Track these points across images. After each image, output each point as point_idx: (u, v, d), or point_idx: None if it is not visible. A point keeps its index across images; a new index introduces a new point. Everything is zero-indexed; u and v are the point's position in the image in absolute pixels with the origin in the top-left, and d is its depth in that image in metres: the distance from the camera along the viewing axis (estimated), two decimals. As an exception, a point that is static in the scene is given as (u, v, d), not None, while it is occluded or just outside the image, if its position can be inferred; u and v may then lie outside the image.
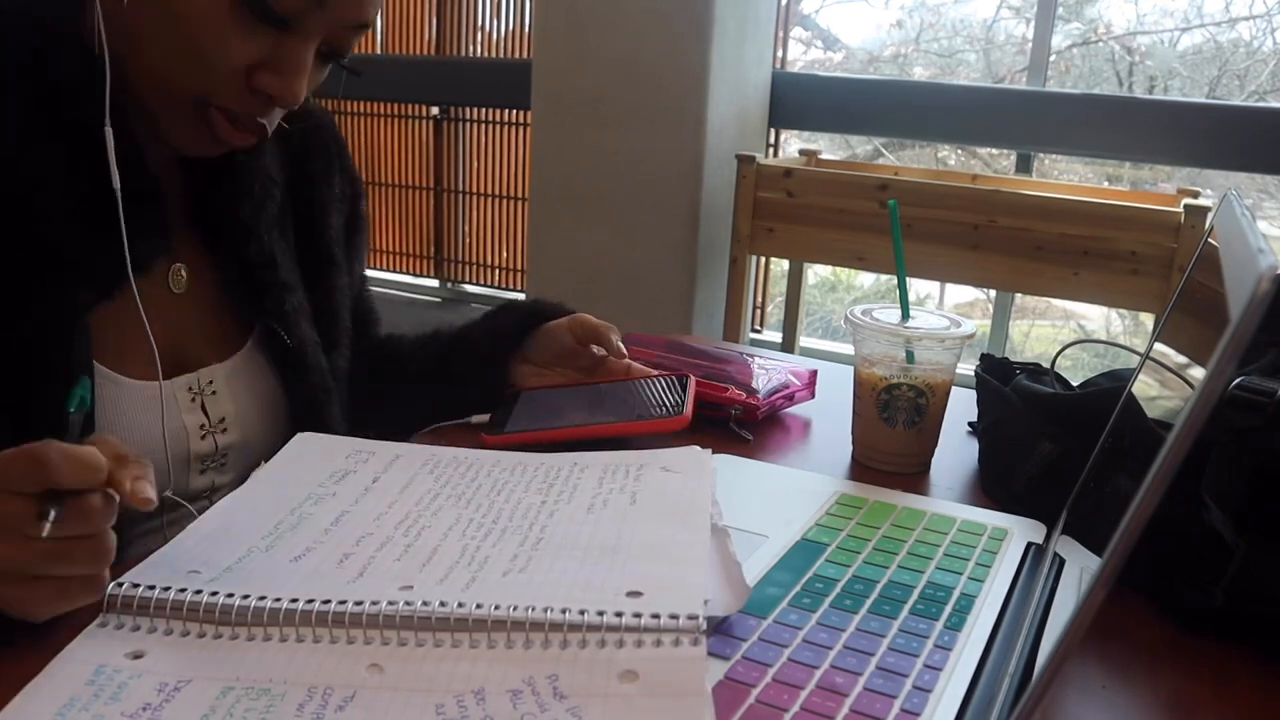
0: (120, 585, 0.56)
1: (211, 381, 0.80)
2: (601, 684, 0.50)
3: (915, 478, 0.87)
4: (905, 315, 0.87)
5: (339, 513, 0.68)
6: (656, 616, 0.54)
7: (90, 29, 0.67)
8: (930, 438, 0.88)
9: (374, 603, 0.55)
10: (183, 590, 0.56)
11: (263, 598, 0.55)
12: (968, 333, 0.85)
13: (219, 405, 0.80)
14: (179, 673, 0.51)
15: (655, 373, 0.95)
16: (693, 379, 0.93)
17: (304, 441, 0.79)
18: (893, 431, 0.87)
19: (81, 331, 0.68)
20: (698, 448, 0.80)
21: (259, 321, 0.83)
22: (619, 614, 0.54)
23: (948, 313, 0.89)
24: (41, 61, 0.66)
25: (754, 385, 0.98)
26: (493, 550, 0.63)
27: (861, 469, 0.88)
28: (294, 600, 0.55)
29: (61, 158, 0.67)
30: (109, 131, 0.66)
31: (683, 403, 0.87)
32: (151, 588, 0.56)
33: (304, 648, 0.53)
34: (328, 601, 0.55)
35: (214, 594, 0.56)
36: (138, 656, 0.52)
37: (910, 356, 0.85)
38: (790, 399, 1.01)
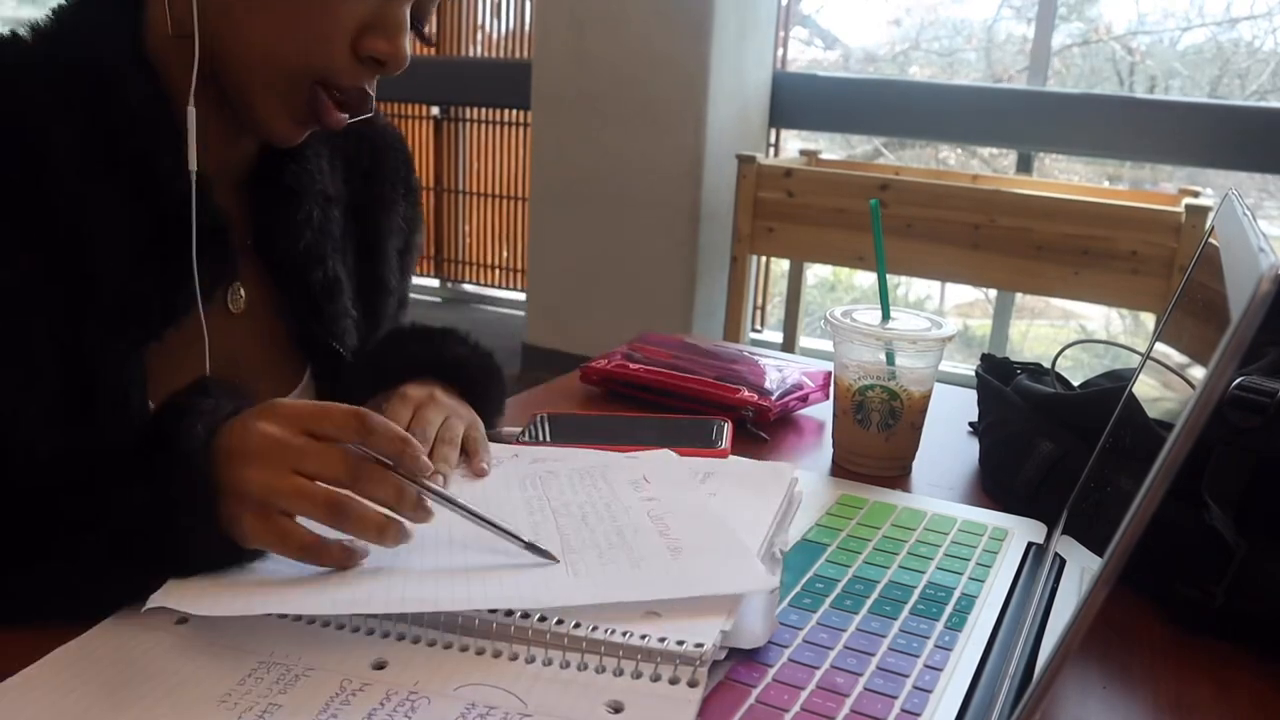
0: None
1: None
2: (584, 711, 0.49)
3: (917, 478, 0.87)
4: (885, 317, 0.87)
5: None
6: (663, 640, 0.52)
7: (151, 47, 0.67)
8: (905, 441, 0.87)
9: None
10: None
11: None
12: (943, 335, 0.83)
13: None
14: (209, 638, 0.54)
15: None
16: (729, 424, 0.90)
17: None
18: (867, 434, 0.86)
19: (137, 368, 0.68)
20: (784, 465, 0.79)
21: (319, 349, 0.81)
22: (626, 633, 0.53)
23: (931, 314, 0.88)
24: (104, 91, 0.66)
25: (766, 387, 0.97)
26: (542, 542, 0.63)
27: (849, 470, 0.88)
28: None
29: (122, 195, 0.66)
30: (192, 111, 0.66)
31: (720, 440, 0.86)
32: None
33: (326, 633, 0.55)
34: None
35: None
36: (182, 622, 0.55)
37: (890, 358, 0.84)
38: (804, 400, 1.01)
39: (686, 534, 0.64)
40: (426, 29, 0.73)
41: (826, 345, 3.30)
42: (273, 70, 0.67)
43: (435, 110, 4.10)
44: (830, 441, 0.91)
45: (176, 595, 0.54)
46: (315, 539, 0.56)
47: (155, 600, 0.53)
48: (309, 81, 0.68)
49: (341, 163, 0.84)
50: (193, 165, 0.67)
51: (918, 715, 0.51)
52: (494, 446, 0.80)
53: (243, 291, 0.76)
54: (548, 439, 0.86)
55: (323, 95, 0.68)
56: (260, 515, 0.55)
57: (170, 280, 0.69)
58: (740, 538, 0.64)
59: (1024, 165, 3.10)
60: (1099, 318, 3.67)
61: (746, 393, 0.96)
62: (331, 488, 0.56)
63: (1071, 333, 3.77)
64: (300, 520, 0.56)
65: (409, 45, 0.69)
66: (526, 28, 3.78)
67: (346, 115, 0.71)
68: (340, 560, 0.57)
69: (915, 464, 0.89)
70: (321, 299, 0.80)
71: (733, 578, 0.58)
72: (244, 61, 0.67)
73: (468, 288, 4.30)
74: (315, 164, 0.79)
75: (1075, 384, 0.90)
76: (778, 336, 3.23)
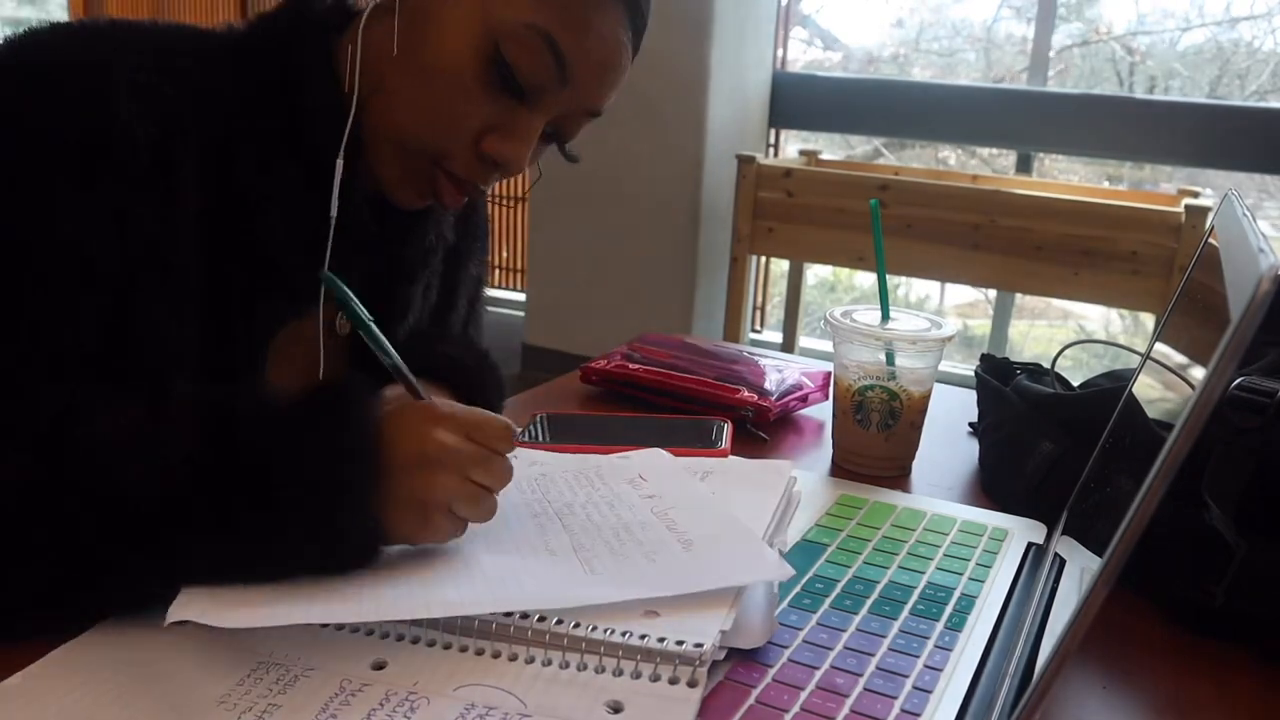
0: None
1: None
2: (583, 711, 0.49)
3: (917, 478, 0.87)
4: (885, 317, 0.87)
5: None
6: (662, 640, 0.52)
7: (339, 70, 0.69)
8: (905, 442, 0.87)
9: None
10: None
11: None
12: (942, 335, 0.83)
13: None
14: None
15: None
16: (729, 424, 0.90)
17: None
18: (866, 434, 0.86)
19: (264, 349, 0.69)
20: (783, 463, 0.79)
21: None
22: (625, 633, 0.53)
23: (931, 314, 0.88)
24: (290, 89, 0.68)
25: (766, 387, 0.97)
26: (552, 543, 0.63)
27: (848, 470, 0.88)
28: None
29: (296, 178, 0.68)
30: (339, 164, 0.68)
31: (720, 440, 0.87)
32: None
33: (325, 634, 0.54)
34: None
35: None
36: (180, 621, 0.53)
37: (890, 358, 0.84)
38: (804, 400, 1.01)
39: (694, 527, 0.64)
40: (569, 146, 0.74)
41: (826, 345, 3.30)
42: (397, 145, 0.69)
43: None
44: (830, 442, 0.91)
45: (197, 607, 0.52)
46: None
47: (175, 614, 0.52)
48: (426, 161, 0.69)
49: (455, 212, 0.86)
50: (333, 213, 0.69)
51: (918, 715, 0.51)
52: None
53: (347, 317, 0.77)
54: (547, 439, 0.86)
55: (441, 177, 0.70)
56: (437, 515, 0.58)
57: (311, 266, 0.70)
58: (747, 526, 0.64)
59: (1024, 165, 3.10)
60: (1099, 318, 3.67)
61: (746, 393, 0.96)
62: (492, 494, 0.61)
63: (1071, 333, 3.77)
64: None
65: (528, 156, 0.70)
66: (526, 28, 3.78)
67: (465, 198, 0.72)
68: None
69: (915, 464, 0.89)
70: (393, 318, 0.81)
71: (750, 568, 0.59)
72: (377, 130, 0.69)
73: (468, 288, 4.29)
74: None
75: (1075, 384, 0.89)
76: (778, 337, 3.23)
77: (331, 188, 0.69)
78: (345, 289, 0.65)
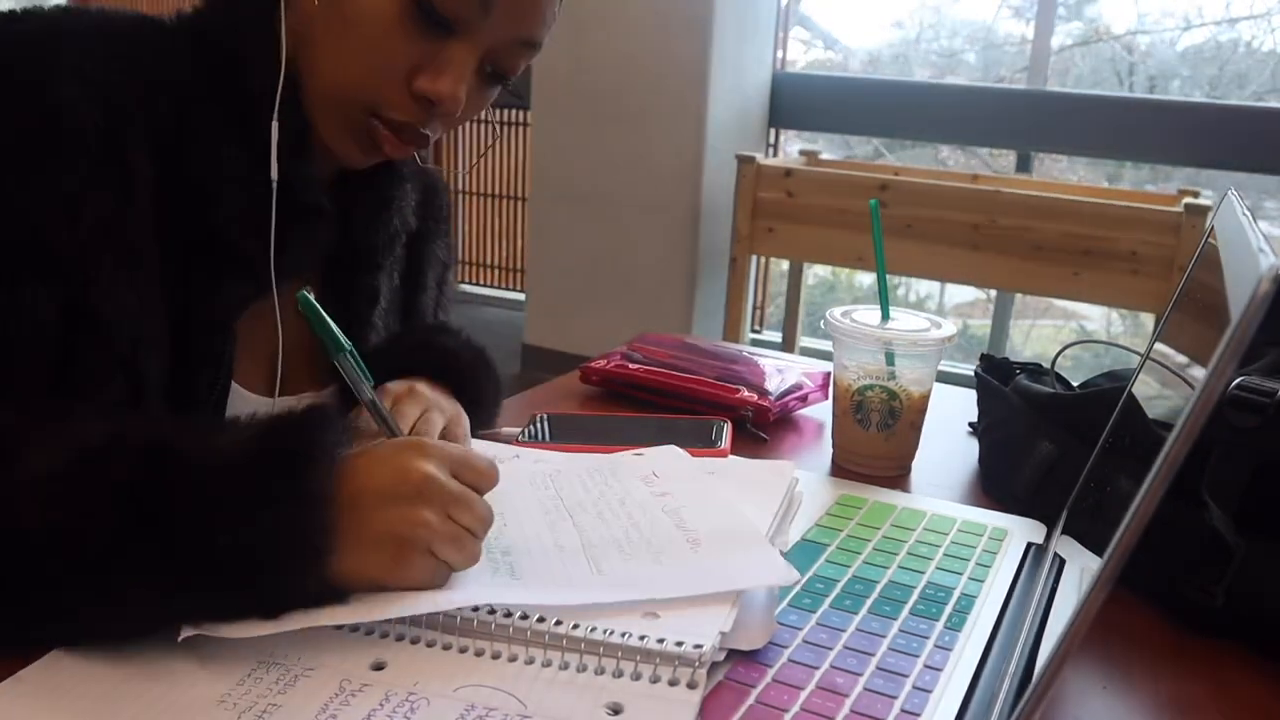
0: None
1: None
2: (583, 712, 0.49)
3: (917, 478, 0.87)
4: (885, 317, 0.87)
5: None
6: (662, 641, 0.52)
7: (278, 44, 0.69)
8: (905, 442, 0.87)
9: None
10: None
11: None
12: (942, 335, 0.83)
13: None
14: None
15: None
16: (729, 424, 0.90)
17: None
18: (866, 434, 0.86)
19: (230, 336, 0.69)
20: (785, 464, 0.79)
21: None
22: (625, 634, 0.53)
23: (931, 315, 0.88)
24: (237, 72, 0.68)
25: (766, 387, 0.97)
26: (561, 540, 0.63)
27: (848, 470, 0.88)
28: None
29: (247, 160, 0.68)
30: (275, 126, 0.68)
31: (720, 440, 0.87)
32: None
33: (325, 634, 0.54)
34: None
35: None
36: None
37: (890, 358, 0.84)
38: (804, 400, 1.01)
39: (703, 527, 0.65)
40: (511, 83, 0.72)
41: (826, 345, 3.29)
42: (330, 97, 0.69)
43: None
44: (830, 442, 0.91)
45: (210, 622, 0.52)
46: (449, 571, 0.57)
47: (189, 629, 0.51)
48: (362, 112, 0.68)
49: (417, 193, 0.85)
50: (274, 175, 0.68)
51: (918, 715, 0.51)
52: (495, 447, 0.80)
53: (311, 294, 0.76)
54: (547, 439, 0.86)
55: (378, 126, 0.69)
56: (415, 555, 0.54)
57: (266, 247, 0.69)
58: (756, 528, 0.64)
59: (1024, 165, 3.10)
60: (1099, 318, 3.67)
61: (746, 393, 0.96)
62: (477, 539, 0.57)
63: (1071, 333, 3.77)
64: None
65: (464, 92, 0.68)
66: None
67: (410, 147, 0.71)
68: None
69: (915, 464, 0.89)
70: (363, 306, 0.81)
71: (756, 571, 0.59)
72: (311, 86, 0.69)
73: (467, 288, 4.30)
74: (402, 187, 0.81)
75: (1075, 384, 0.89)
76: (778, 337, 3.23)
77: (287, 169, 0.68)
78: (321, 310, 0.63)
